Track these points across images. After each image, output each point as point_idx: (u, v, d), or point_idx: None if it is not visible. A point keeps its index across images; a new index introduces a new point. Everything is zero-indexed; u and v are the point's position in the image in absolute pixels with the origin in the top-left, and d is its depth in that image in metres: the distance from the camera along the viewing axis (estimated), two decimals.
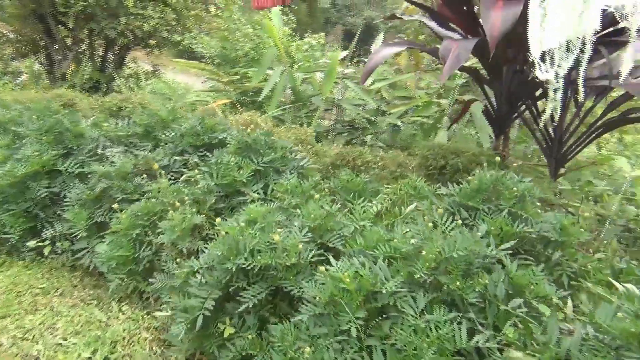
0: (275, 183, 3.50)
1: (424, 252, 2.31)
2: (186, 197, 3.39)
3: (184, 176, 3.79)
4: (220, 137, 4.00)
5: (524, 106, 3.97)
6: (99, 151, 4.18)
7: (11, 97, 6.43)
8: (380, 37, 8.00)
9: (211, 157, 3.79)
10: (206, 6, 10.41)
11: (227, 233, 2.77)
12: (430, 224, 2.61)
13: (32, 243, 3.83)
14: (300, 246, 2.60)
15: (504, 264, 2.45)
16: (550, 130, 4.00)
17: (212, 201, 3.44)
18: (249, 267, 2.61)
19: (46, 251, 3.81)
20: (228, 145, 3.76)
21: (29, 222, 3.98)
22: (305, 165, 3.76)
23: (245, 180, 3.41)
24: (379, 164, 4.45)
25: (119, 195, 3.72)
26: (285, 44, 9.70)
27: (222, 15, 9.52)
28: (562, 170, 4.06)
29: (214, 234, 3.32)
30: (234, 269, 2.63)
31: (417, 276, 2.25)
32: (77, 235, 3.74)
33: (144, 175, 3.83)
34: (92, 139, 4.26)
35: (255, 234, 2.72)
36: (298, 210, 3.05)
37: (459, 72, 6.61)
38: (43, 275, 3.80)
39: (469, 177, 3.02)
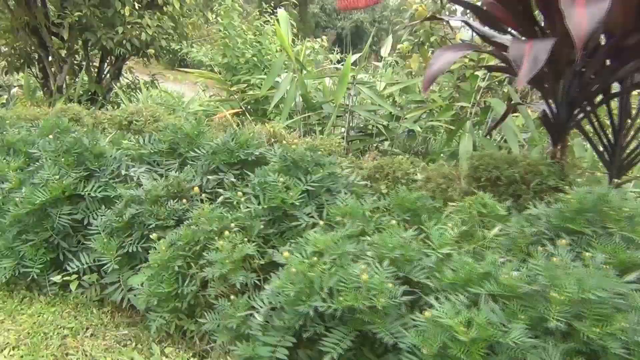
0: (329, 204, 3.09)
1: (553, 293, 1.91)
2: (233, 224, 2.97)
3: (221, 198, 3.37)
4: (256, 154, 3.58)
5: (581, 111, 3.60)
6: (123, 172, 3.74)
7: (13, 114, 5.94)
8: (389, 40, 7.60)
9: (251, 176, 3.37)
10: (204, 13, 9.96)
11: (294, 267, 2.36)
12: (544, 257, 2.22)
13: (57, 278, 3.38)
14: (390, 285, 2.20)
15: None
16: (610, 135, 3.63)
17: (259, 227, 3.02)
18: (328, 310, 2.21)
19: (73, 287, 3.36)
20: (271, 163, 3.33)
21: (50, 254, 3.53)
22: (355, 181, 3.35)
23: (297, 203, 2.99)
24: (422, 176, 4.05)
25: (152, 221, 3.28)
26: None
27: (222, 22, 9.06)
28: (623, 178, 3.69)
29: (265, 265, 2.90)
30: (310, 313, 2.22)
31: (552, 324, 1.85)
32: (105, 266, 3.30)
33: (177, 199, 3.40)
34: (114, 158, 3.81)
35: (332, 269, 2.31)
36: (368, 238, 2.64)
37: (479, 74, 6.26)
38: (69, 313, 3.35)
39: (567, 195, 2.62)
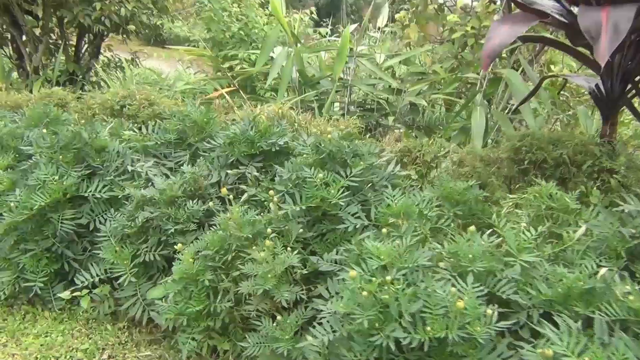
0: (375, 202, 2.67)
1: None
2: (269, 229, 2.53)
3: (245, 196, 2.93)
4: (281, 144, 3.13)
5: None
6: (129, 168, 3.26)
7: None
8: (385, 10, 7.12)
9: (277, 169, 2.93)
10: None
11: (363, 289, 1.95)
12: None
13: (66, 294, 2.92)
14: (488, 311, 1.80)
15: None
16: None
17: (298, 231, 2.59)
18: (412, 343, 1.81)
19: (85, 303, 2.91)
20: (304, 155, 2.88)
21: (54, 264, 3.07)
22: (396, 173, 2.93)
23: (341, 202, 2.56)
24: (454, 159, 3.65)
25: (170, 226, 2.83)
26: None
27: None
28: None
29: (309, 275, 2.49)
30: (391, 345, 1.82)
31: None
32: (118, 278, 2.86)
33: (196, 199, 2.95)
34: (117, 153, 3.33)
35: (409, 291, 1.91)
36: (437, 245, 2.24)
37: None
38: (80, 331, 2.91)
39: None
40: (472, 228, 2.19)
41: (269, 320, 2.37)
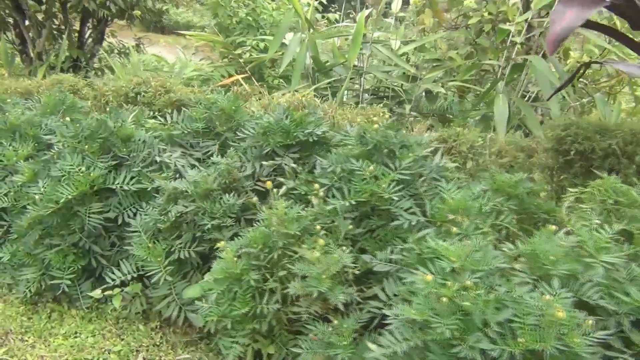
0: (428, 196, 2.47)
1: None
2: (318, 226, 2.33)
3: (284, 189, 2.72)
4: (319, 133, 2.92)
5: None
6: (157, 158, 3.04)
7: (0, 87, 5.11)
8: None
9: (317, 159, 2.73)
10: None
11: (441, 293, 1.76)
12: None
13: (97, 293, 2.72)
14: (589, 321, 1.61)
15: None
16: None
17: (347, 227, 2.39)
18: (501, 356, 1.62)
19: (117, 302, 2.70)
20: (348, 145, 2.68)
21: (81, 260, 2.86)
22: (444, 165, 2.73)
23: (394, 197, 2.36)
24: (492, 149, 3.45)
25: (206, 221, 2.63)
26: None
27: None
28: None
29: (359, 275, 2.29)
30: (477, 357, 1.63)
31: None
32: (151, 275, 2.66)
33: (232, 192, 2.75)
34: (144, 142, 3.11)
35: (497, 298, 1.72)
36: (510, 245, 2.05)
37: (509, 28, 5.59)
38: (111, 332, 2.71)
39: None
40: (552, 227, 1.99)
41: (321, 323, 2.18)
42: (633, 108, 6.03)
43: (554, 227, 2.00)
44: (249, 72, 6.27)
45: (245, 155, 3.05)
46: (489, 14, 6.00)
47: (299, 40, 6.09)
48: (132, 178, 2.92)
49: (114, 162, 2.97)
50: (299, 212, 2.38)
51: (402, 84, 6.36)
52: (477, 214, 2.28)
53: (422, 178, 2.53)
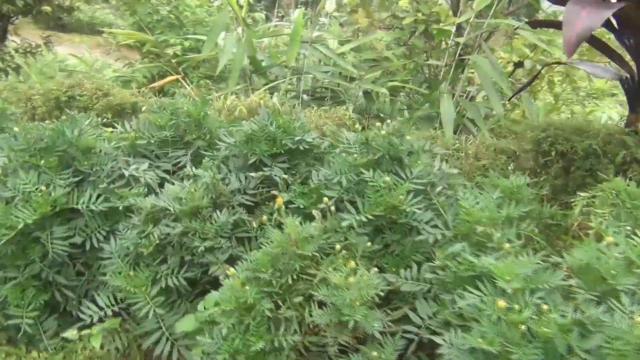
0: (443, 205, 2.28)
1: None
2: (338, 245, 2.07)
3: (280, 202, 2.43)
4: (310, 140, 2.65)
5: None
6: (125, 172, 2.65)
7: None
8: None
9: (318, 171, 2.47)
10: None
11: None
12: None
13: (72, 334, 2.29)
14: None
15: None
16: None
17: (366, 245, 2.15)
18: None
19: (96, 343, 2.29)
20: (352, 153, 2.43)
21: (42, 294, 2.43)
22: (450, 172, 2.54)
23: (416, 210, 2.14)
24: (469, 151, 3.33)
25: (198, 242, 2.29)
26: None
27: None
28: None
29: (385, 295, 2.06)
30: None
31: None
32: (129, 307, 2.29)
33: (219, 208, 2.43)
34: (106, 154, 2.71)
35: (576, 321, 1.54)
36: (558, 259, 1.88)
37: (450, 29, 5.53)
38: None
39: None
40: (611, 239, 1.84)
41: (354, 354, 1.93)
42: (553, 105, 6.18)
43: (611, 239, 1.85)
44: (182, 72, 5.85)
45: (226, 166, 2.73)
46: (422, 14, 5.95)
47: (235, 39, 5.75)
48: (98, 196, 2.52)
49: (75, 179, 2.56)
50: (310, 230, 2.10)
51: (339, 84, 6.19)
52: (503, 224, 2.11)
53: (439, 188, 2.32)
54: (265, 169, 2.60)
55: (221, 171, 2.67)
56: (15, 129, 2.63)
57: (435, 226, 2.17)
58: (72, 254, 2.50)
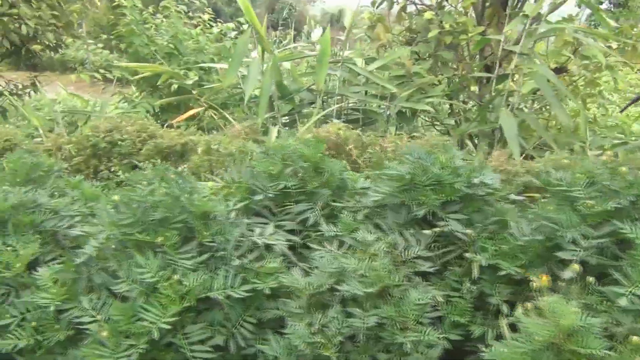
0: None
1: None
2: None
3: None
4: (489, 183, 2.00)
5: None
6: (259, 241, 1.94)
7: None
8: (348, 11, 6.05)
9: (516, 222, 1.82)
10: None
11: None
12: None
13: None
14: None
15: None
16: None
17: None
18: None
19: None
20: (580, 199, 1.78)
21: None
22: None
23: None
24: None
25: (398, 335, 1.60)
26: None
27: (124, 4, 6.81)
28: None
29: None
30: None
31: None
32: None
33: None
34: (231, 223, 1.99)
35: None
36: None
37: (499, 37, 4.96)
38: None
39: None
40: None
41: None
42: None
43: None
44: (212, 104, 5.12)
45: (371, 221, 2.06)
46: (450, 26, 5.40)
47: (258, 65, 5.07)
48: (234, 277, 1.81)
49: (202, 257, 1.84)
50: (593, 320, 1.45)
51: (372, 105, 5.59)
52: None
53: None
54: (439, 222, 1.94)
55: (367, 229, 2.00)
56: (115, 197, 1.88)
57: None
58: None
